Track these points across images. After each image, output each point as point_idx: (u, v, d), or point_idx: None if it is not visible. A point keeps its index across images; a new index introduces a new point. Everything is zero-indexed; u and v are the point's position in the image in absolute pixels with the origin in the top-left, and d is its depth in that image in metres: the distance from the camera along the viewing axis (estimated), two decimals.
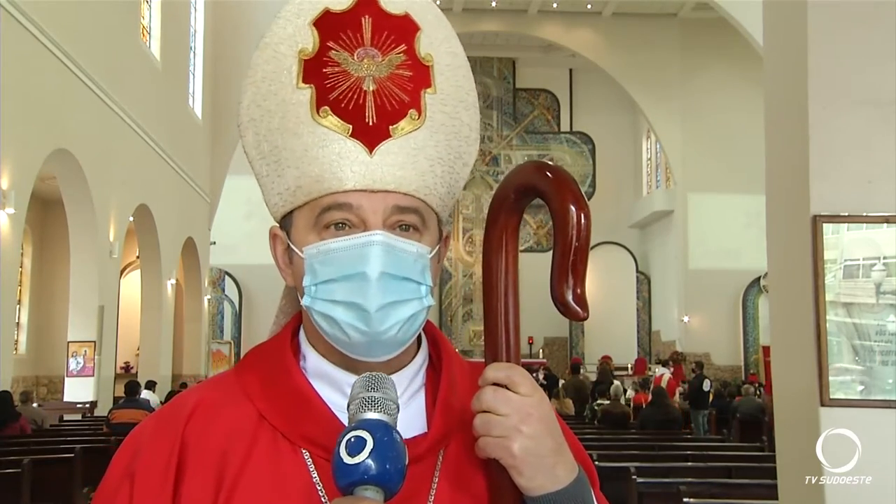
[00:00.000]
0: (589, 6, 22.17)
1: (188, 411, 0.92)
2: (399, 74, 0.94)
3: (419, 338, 1.00)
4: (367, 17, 0.95)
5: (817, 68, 2.89)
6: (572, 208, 0.85)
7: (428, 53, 0.97)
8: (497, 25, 22.75)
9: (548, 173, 0.89)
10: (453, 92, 0.99)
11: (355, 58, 0.93)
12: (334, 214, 0.91)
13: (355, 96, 0.92)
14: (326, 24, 0.95)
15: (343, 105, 0.92)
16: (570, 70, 25.87)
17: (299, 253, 0.93)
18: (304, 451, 0.90)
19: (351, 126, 0.91)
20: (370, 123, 0.91)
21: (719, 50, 21.65)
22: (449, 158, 0.97)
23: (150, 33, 14.21)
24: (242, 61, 16.52)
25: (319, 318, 0.91)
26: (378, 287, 0.88)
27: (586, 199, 0.87)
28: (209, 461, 0.88)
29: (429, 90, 0.95)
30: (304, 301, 0.92)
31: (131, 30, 13.01)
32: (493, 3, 21.96)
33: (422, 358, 0.99)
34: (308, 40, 0.94)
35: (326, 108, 0.92)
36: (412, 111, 0.93)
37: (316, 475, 0.89)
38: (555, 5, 22.16)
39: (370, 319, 0.88)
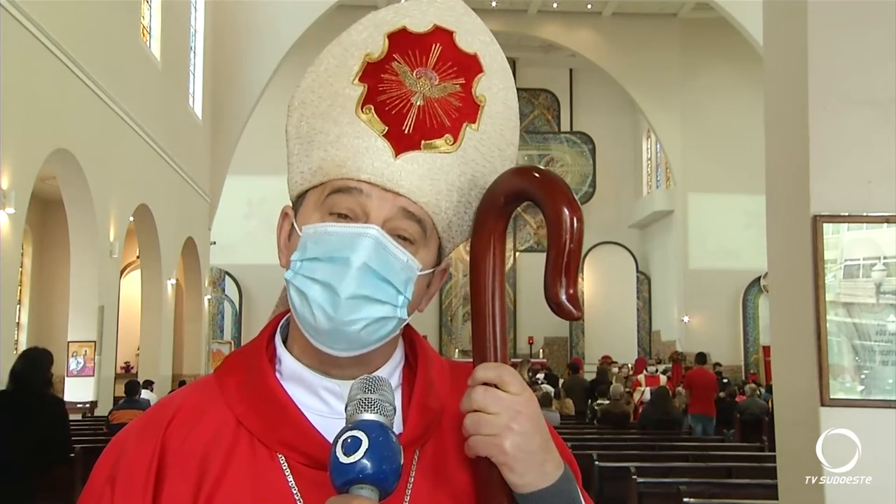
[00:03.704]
0: (589, 6, 22.17)
1: (169, 416, 0.94)
2: (449, 101, 0.97)
3: (396, 340, 1.01)
4: (437, 44, 0.99)
5: (817, 68, 2.89)
6: (566, 211, 0.88)
7: (483, 95, 0.99)
8: (497, 25, 22.71)
9: (539, 177, 0.91)
10: (495, 137, 1.01)
11: (414, 74, 0.97)
12: (342, 198, 0.93)
13: (401, 105, 0.95)
14: (399, 39, 0.99)
15: (387, 108, 0.95)
16: (570, 70, 25.87)
17: (298, 231, 0.95)
18: (279, 456, 0.91)
19: (387, 128, 0.94)
20: (406, 131, 0.94)
21: (719, 50, 21.64)
22: (470, 194, 1.00)
23: (150, 33, 14.19)
24: (243, 61, 16.61)
25: (295, 293, 0.92)
26: (355, 276, 0.89)
27: (579, 201, 0.88)
28: (189, 466, 0.90)
29: (472, 125, 0.98)
30: (287, 275, 0.93)
31: (131, 30, 12.98)
32: (493, 3, 21.95)
33: (397, 359, 1.01)
34: (378, 47, 0.98)
35: (371, 106, 0.95)
36: (448, 136, 0.96)
37: (291, 479, 0.90)
38: (555, 5, 22.15)
39: (339, 305, 0.89)
